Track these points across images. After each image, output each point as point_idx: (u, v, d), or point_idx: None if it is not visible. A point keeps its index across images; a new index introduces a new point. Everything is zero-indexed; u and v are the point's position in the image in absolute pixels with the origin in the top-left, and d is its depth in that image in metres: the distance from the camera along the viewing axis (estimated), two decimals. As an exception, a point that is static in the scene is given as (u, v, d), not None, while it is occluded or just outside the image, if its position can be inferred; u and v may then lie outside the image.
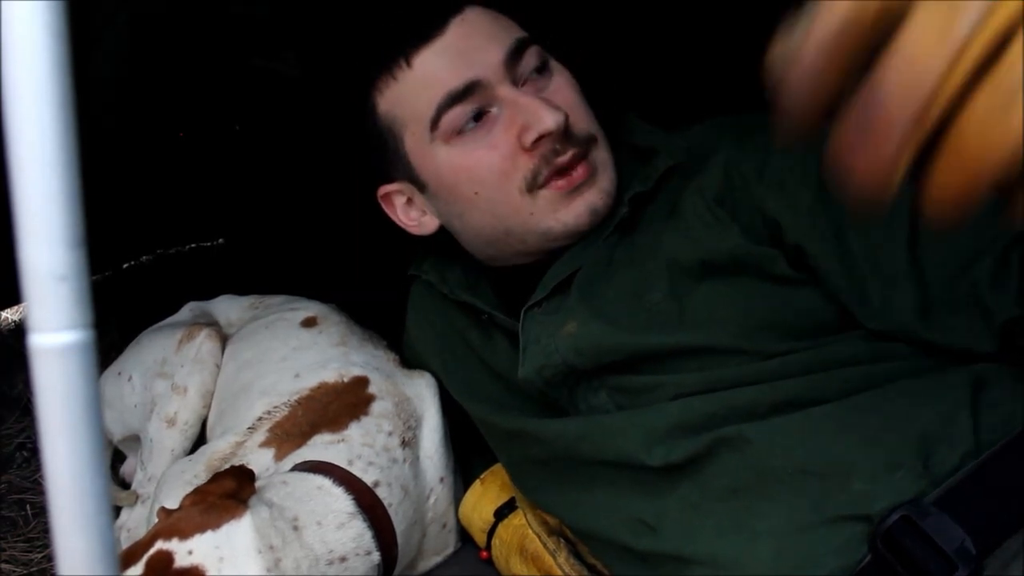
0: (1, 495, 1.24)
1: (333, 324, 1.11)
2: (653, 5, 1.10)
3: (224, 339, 1.14)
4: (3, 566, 1.11)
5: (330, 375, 0.98)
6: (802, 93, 0.31)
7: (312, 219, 1.73)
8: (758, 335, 0.75)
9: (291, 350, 1.05)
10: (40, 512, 1.20)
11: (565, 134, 0.81)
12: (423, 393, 0.99)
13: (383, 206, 0.95)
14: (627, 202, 0.84)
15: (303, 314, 1.13)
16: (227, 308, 1.25)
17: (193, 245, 1.96)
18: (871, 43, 0.29)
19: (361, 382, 0.97)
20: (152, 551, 0.74)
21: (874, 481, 0.66)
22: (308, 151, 1.57)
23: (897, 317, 0.71)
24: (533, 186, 0.82)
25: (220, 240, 1.97)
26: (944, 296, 0.69)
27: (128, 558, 0.74)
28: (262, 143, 1.59)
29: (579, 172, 0.82)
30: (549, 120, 0.79)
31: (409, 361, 1.07)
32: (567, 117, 0.81)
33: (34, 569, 1.11)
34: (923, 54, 0.27)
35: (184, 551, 0.74)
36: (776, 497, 0.69)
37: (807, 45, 0.30)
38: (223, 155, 1.59)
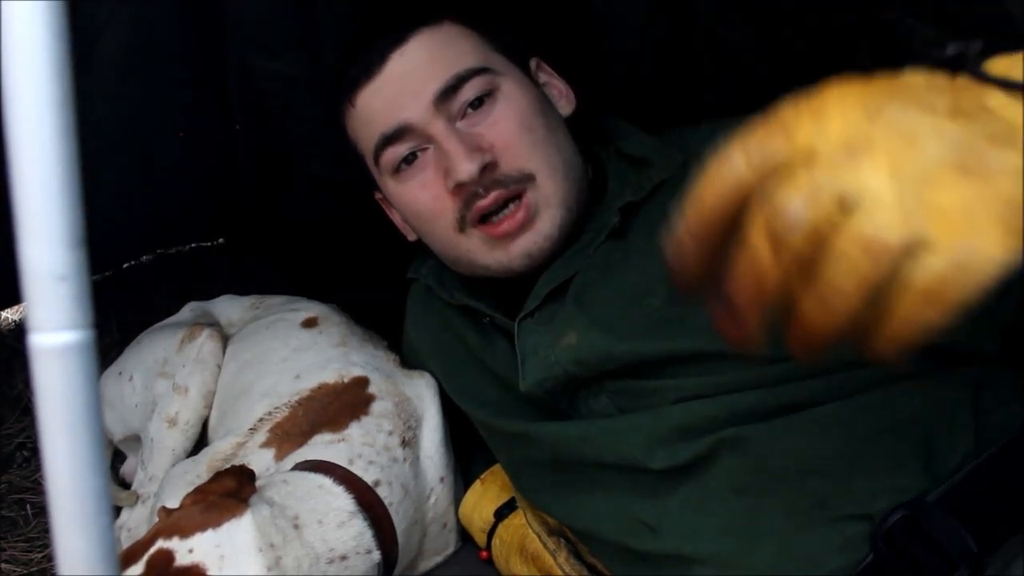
0: (1, 495, 1.24)
1: (334, 324, 1.11)
2: (653, 6, 1.10)
3: (225, 339, 1.14)
4: (3, 566, 1.11)
5: (330, 375, 0.98)
6: (684, 264, 0.39)
7: (313, 219, 1.73)
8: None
9: (291, 351, 1.05)
10: (40, 512, 1.20)
11: (489, 177, 0.80)
12: (423, 393, 0.99)
13: (383, 207, 0.96)
14: (617, 212, 0.83)
15: (304, 315, 1.13)
16: (228, 308, 1.25)
17: (193, 245, 1.96)
18: (728, 230, 0.37)
19: (361, 382, 0.97)
20: (153, 550, 0.74)
21: (876, 480, 0.66)
22: (308, 152, 1.57)
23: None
24: (463, 226, 0.83)
25: (220, 240, 1.97)
26: None
27: (129, 557, 0.74)
28: (262, 143, 1.59)
29: (513, 220, 0.81)
30: (462, 170, 0.79)
31: (408, 364, 1.07)
32: (489, 162, 0.80)
33: (34, 569, 1.11)
34: (760, 253, 0.35)
35: (185, 550, 0.74)
36: (777, 497, 0.69)
37: (682, 229, 0.39)
38: (223, 155, 1.59)
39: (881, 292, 0.34)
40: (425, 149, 0.83)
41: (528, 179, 0.82)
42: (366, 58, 0.84)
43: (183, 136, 1.45)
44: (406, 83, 0.82)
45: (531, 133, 0.83)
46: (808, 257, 0.34)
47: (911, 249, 0.33)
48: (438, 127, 0.81)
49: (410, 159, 0.84)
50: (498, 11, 0.91)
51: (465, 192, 0.81)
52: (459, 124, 0.82)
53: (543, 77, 0.92)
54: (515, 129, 0.82)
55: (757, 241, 0.35)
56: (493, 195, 0.81)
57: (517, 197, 0.82)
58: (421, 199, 0.84)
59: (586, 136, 0.91)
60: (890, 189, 0.33)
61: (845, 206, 0.33)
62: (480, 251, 0.84)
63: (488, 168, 0.80)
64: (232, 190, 1.65)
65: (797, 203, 0.34)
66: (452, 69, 0.82)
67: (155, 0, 1.17)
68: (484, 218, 0.82)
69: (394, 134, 0.83)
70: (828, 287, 0.34)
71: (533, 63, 0.92)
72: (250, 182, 1.62)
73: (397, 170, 0.85)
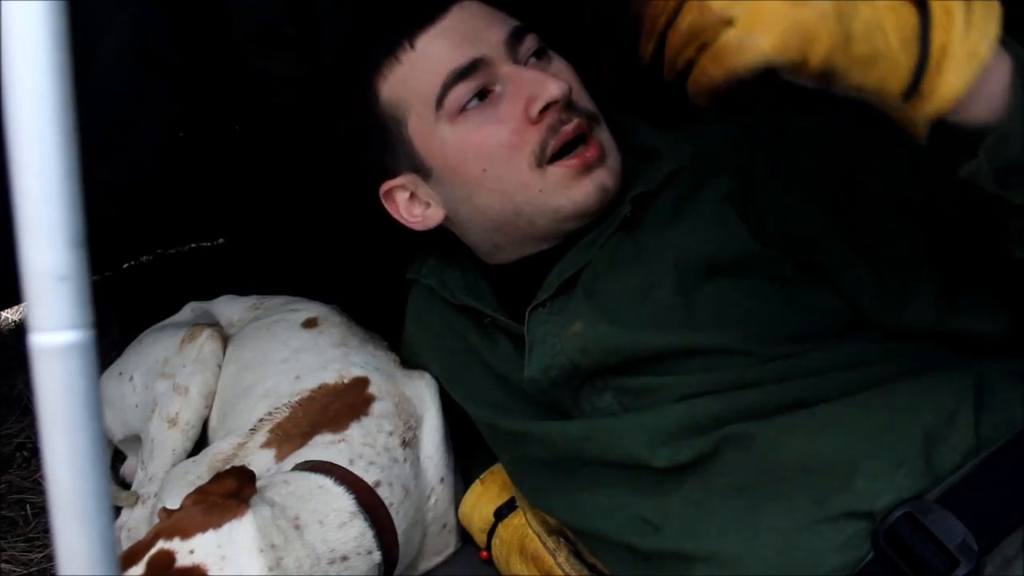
0: (1, 495, 1.24)
1: (334, 325, 1.11)
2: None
3: (226, 340, 1.14)
4: (3, 566, 1.11)
5: (331, 376, 0.98)
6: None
7: (313, 219, 1.73)
8: (764, 337, 0.75)
9: (292, 352, 1.05)
10: (40, 512, 1.20)
11: (570, 105, 0.82)
12: (423, 393, 0.99)
13: (385, 204, 0.93)
14: (630, 201, 0.84)
15: (304, 315, 1.13)
16: (228, 308, 1.25)
17: (193, 245, 1.96)
18: None
19: (361, 382, 0.97)
20: (153, 550, 0.74)
21: (877, 479, 0.66)
22: (308, 151, 1.57)
23: (914, 305, 0.73)
24: (542, 160, 0.82)
25: (220, 240, 1.97)
26: (964, 280, 0.71)
27: (129, 558, 0.74)
28: (262, 143, 1.59)
29: (591, 151, 0.83)
30: (554, 89, 0.80)
31: (409, 364, 1.06)
32: (571, 89, 0.82)
33: (34, 569, 1.11)
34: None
35: (186, 550, 0.74)
36: (779, 494, 0.69)
37: None
38: (223, 155, 1.59)
39: (697, 42, 0.51)
40: (490, 92, 0.83)
41: (596, 118, 0.85)
42: (425, 6, 0.85)
43: (183, 136, 1.45)
44: (476, 24, 0.84)
45: (583, 88, 0.87)
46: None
47: (724, 20, 0.49)
48: (509, 66, 0.83)
49: (482, 95, 0.83)
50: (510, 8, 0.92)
51: (550, 117, 0.81)
52: (526, 67, 0.84)
53: None
54: (576, 79, 0.86)
55: None
56: (576, 122, 0.82)
57: (587, 135, 0.83)
58: (495, 134, 0.83)
59: None
60: None
61: None
62: (554, 190, 0.83)
63: (570, 96, 0.82)
64: (232, 190, 1.65)
65: None
66: (512, 22, 0.86)
67: (155, 1, 1.17)
68: (559, 154, 0.82)
69: (468, 67, 0.82)
70: (677, 23, 0.52)
71: None
72: (250, 182, 1.62)
73: (464, 110, 0.83)
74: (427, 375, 1.01)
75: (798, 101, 0.78)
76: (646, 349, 0.77)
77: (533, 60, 0.85)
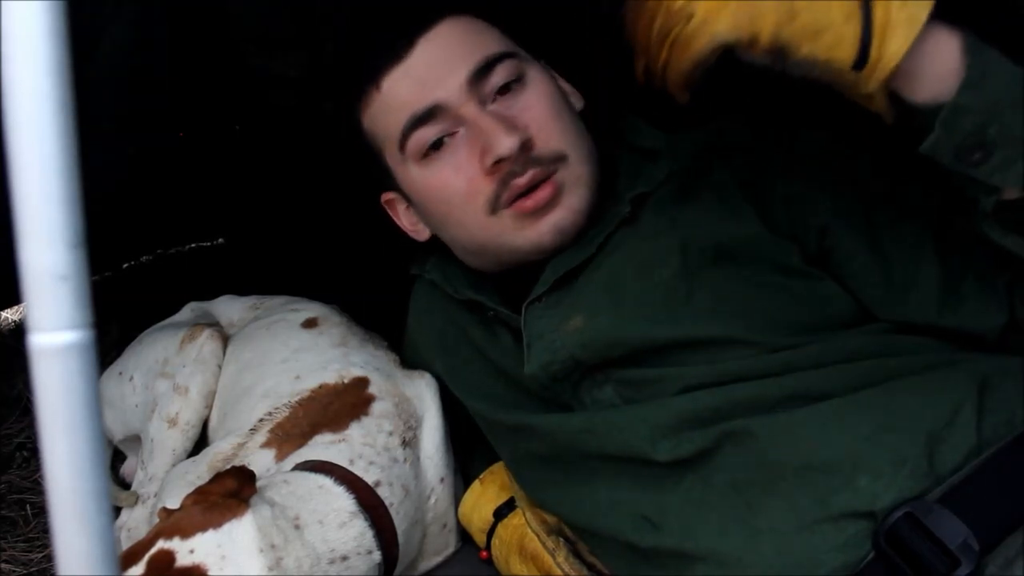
0: (1, 495, 1.24)
1: (334, 325, 1.11)
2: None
3: (226, 339, 1.14)
4: (3, 566, 1.11)
5: (330, 376, 0.98)
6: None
7: (313, 220, 1.73)
8: (767, 328, 0.75)
9: (292, 352, 1.05)
10: (40, 512, 1.20)
11: (526, 155, 0.81)
12: (423, 393, 0.99)
13: (387, 210, 0.97)
14: (628, 201, 0.84)
15: (304, 315, 1.13)
16: (228, 308, 1.25)
17: (193, 245, 1.96)
18: None
19: (361, 382, 0.97)
20: (153, 550, 0.74)
21: (879, 478, 0.66)
22: (308, 151, 1.57)
23: (918, 298, 0.74)
24: (496, 207, 0.83)
25: (220, 240, 1.97)
26: (963, 272, 0.73)
27: (129, 558, 0.74)
28: (262, 143, 1.59)
29: (540, 195, 0.82)
30: (504, 146, 0.79)
31: (410, 360, 1.07)
32: (527, 140, 0.80)
33: (34, 569, 1.11)
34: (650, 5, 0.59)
35: (185, 550, 0.74)
36: (779, 493, 0.69)
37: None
38: (223, 155, 1.59)
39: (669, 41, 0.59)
40: (454, 133, 0.83)
41: (561, 159, 0.83)
42: (392, 42, 0.84)
43: (183, 136, 1.45)
44: (437, 64, 0.82)
45: (560, 118, 0.84)
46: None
47: (686, 16, 0.57)
48: (471, 108, 0.81)
49: (438, 144, 0.83)
50: (506, 14, 0.92)
51: (503, 170, 0.81)
52: (490, 108, 0.82)
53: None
54: (547, 112, 0.83)
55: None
56: (530, 173, 0.81)
57: (543, 181, 0.82)
58: (453, 182, 0.83)
59: (597, 133, 0.92)
60: None
61: None
62: (511, 232, 0.84)
63: (525, 146, 0.80)
64: (232, 190, 1.65)
65: None
66: (482, 52, 0.83)
67: (155, 1, 1.17)
68: (516, 198, 0.82)
69: (426, 114, 0.82)
70: (652, 32, 0.60)
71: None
72: (250, 182, 1.63)
73: (424, 155, 0.84)
74: (427, 375, 1.01)
75: (800, 114, 0.80)
76: (648, 341, 0.77)
77: (502, 93, 0.83)
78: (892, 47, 0.56)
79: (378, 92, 0.85)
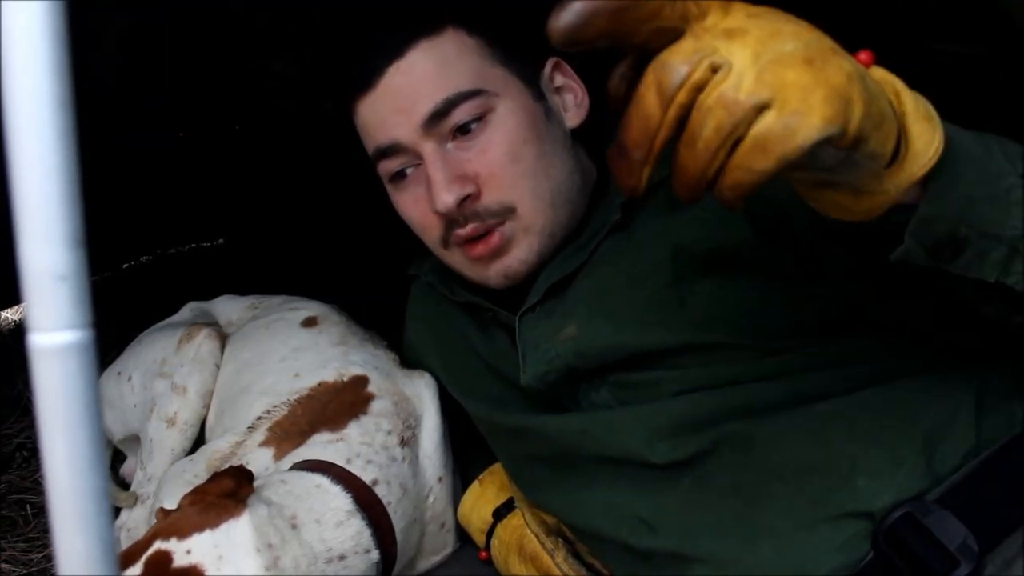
0: (1, 495, 1.24)
1: (333, 324, 1.11)
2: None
3: (224, 339, 1.14)
4: (3, 566, 1.11)
5: (329, 374, 0.98)
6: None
7: (313, 219, 1.73)
8: (761, 332, 0.75)
9: (291, 350, 1.05)
10: (40, 512, 1.20)
11: (470, 208, 0.81)
12: (422, 393, 0.99)
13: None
14: (619, 207, 0.83)
15: (303, 314, 1.13)
16: (227, 308, 1.25)
17: (193, 245, 1.96)
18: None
19: (360, 381, 0.97)
20: (151, 551, 0.74)
21: (877, 478, 0.66)
22: (308, 152, 1.57)
23: (910, 304, 0.72)
24: (448, 243, 0.85)
25: (220, 240, 1.97)
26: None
27: (127, 558, 0.73)
28: (262, 143, 1.59)
29: (489, 242, 0.82)
30: (439, 202, 0.80)
31: (408, 361, 1.07)
32: (469, 194, 0.80)
33: (34, 569, 1.11)
34: (649, 103, 0.43)
35: (183, 550, 0.74)
36: (777, 495, 0.69)
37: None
38: (223, 155, 1.59)
39: (731, 143, 0.43)
40: (418, 165, 0.84)
41: (508, 211, 0.82)
42: (363, 69, 0.84)
43: (183, 136, 1.45)
44: (399, 101, 0.82)
45: (518, 163, 0.81)
46: (685, 106, 0.43)
47: (757, 108, 0.42)
48: (427, 148, 0.81)
49: (401, 175, 0.85)
50: (512, 11, 0.89)
51: (445, 219, 0.83)
52: (449, 145, 0.82)
53: (560, 80, 0.89)
54: (502, 159, 0.81)
55: (647, 93, 0.43)
56: (471, 227, 0.82)
57: (491, 230, 0.82)
58: (412, 212, 0.86)
59: (598, 137, 0.91)
60: (752, 64, 0.42)
61: (716, 70, 0.42)
62: (463, 266, 0.87)
63: (469, 199, 0.81)
64: (232, 190, 1.65)
65: (681, 61, 0.42)
66: (444, 92, 0.81)
67: (155, 1, 1.17)
68: (465, 242, 0.84)
69: (388, 149, 0.84)
70: (695, 133, 0.43)
71: (549, 65, 0.88)
72: (250, 182, 1.63)
73: (391, 180, 0.87)
74: (426, 375, 1.01)
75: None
76: (642, 348, 0.77)
77: (459, 134, 0.81)
78: (920, 144, 0.48)
79: (354, 114, 0.87)
